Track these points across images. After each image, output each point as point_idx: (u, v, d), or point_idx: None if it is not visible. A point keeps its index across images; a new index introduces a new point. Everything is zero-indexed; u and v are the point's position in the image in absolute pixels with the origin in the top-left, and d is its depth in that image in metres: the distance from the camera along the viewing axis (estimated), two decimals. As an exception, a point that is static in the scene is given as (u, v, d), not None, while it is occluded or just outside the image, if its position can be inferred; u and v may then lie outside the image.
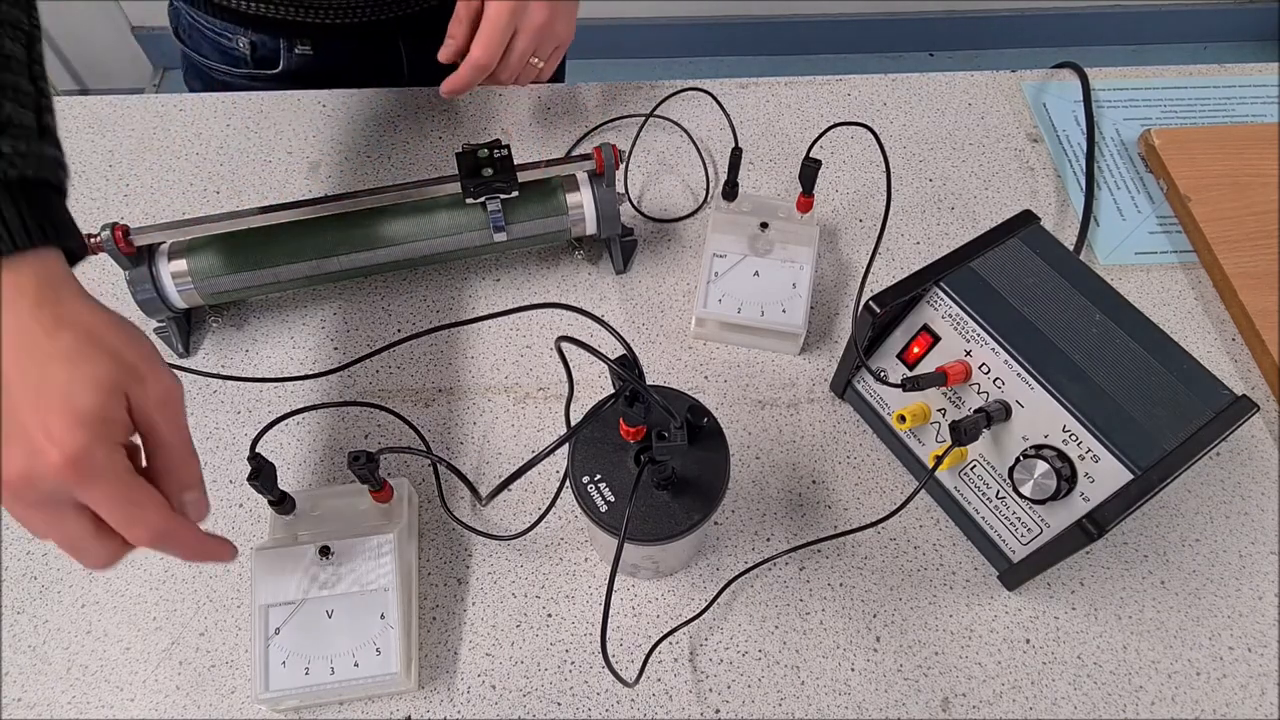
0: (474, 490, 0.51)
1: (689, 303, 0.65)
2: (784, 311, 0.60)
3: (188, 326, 0.63)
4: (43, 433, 0.34)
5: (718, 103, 0.76)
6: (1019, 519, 0.50)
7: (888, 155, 0.62)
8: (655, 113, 0.75)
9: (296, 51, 0.77)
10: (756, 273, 0.61)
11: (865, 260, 0.67)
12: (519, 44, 0.65)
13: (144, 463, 0.39)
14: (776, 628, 0.52)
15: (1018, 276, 0.51)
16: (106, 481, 0.36)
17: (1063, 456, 0.47)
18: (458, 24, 0.66)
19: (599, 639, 0.46)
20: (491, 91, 0.77)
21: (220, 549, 0.41)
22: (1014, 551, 0.51)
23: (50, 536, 0.37)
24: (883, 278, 0.66)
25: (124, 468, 0.36)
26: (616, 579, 0.45)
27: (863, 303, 0.51)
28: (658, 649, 0.51)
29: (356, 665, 0.47)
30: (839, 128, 0.72)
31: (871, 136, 0.61)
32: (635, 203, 0.71)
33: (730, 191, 0.62)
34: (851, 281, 0.66)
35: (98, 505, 0.36)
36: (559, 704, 0.49)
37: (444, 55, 0.67)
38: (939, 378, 0.50)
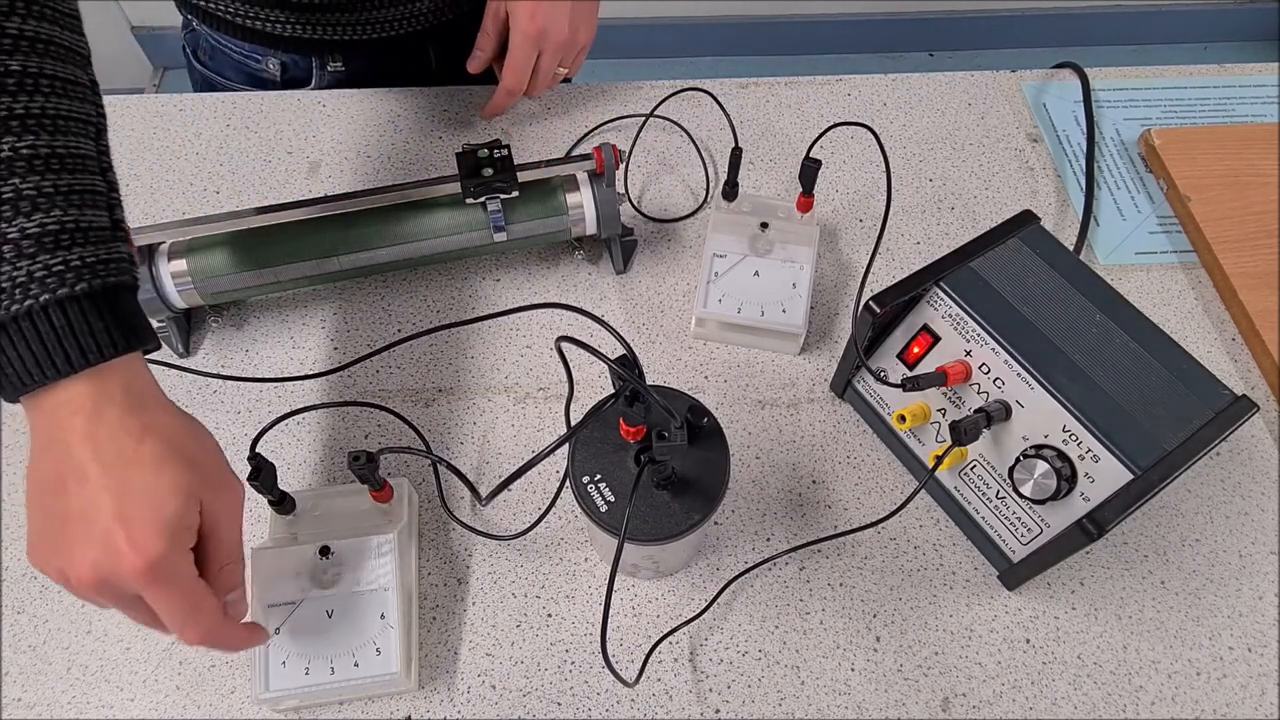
0: (474, 490, 0.51)
1: (689, 303, 0.65)
2: (784, 311, 0.60)
3: (188, 326, 0.63)
4: (124, 537, 0.36)
5: (718, 103, 0.76)
6: (1019, 519, 0.50)
7: (888, 155, 0.62)
8: (655, 113, 0.75)
9: (329, 69, 0.76)
10: (756, 273, 0.61)
11: (865, 260, 0.67)
12: (544, 63, 0.69)
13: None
14: (776, 628, 0.52)
15: (1018, 276, 0.51)
16: (175, 587, 0.38)
17: (1063, 456, 0.47)
18: (485, 36, 0.70)
19: (599, 639, 0.46)
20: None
21: (257, 637, 0.44)
22: (1014, 551, 0.51)
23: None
24: (883, 278, 0.66)
25: (192, 574, 0.39)
26: (616, 579, 0.45)
27: (863, 303, 0.51)
28: (658, 649, 0.51)
29: (356, 665, 0.47)
30: (839, 128, 0.72)
31: (871, 136, 0.61)
32: (635, 203, 0.71)
33: (730, 191, 0.62)
34: (851, 281, 0.66)
35: (160, 607, 0.38)
36: (559, 704, 0.49)
37: (473, 67, 0.72)
38: (939, 378, 0.50)
